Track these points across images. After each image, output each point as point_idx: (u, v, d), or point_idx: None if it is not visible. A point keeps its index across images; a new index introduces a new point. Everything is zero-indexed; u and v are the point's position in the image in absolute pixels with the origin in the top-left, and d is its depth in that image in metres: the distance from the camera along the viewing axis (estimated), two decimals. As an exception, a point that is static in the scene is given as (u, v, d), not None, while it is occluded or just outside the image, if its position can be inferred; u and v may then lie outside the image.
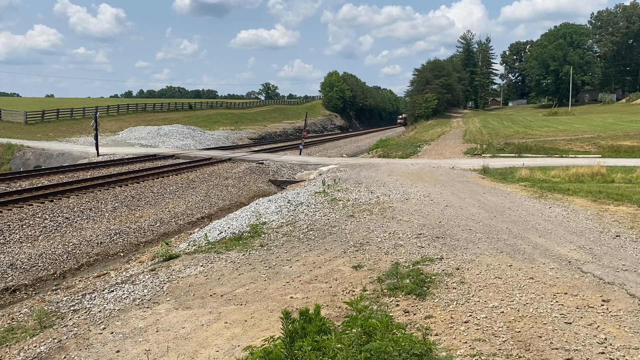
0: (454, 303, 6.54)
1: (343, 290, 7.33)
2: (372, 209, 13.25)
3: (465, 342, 5.37)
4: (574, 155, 28.17)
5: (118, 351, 5.94)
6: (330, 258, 9.06)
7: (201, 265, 9.29)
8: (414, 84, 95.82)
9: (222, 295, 7.57)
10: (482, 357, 5.01)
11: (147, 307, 7.34)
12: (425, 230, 10.71)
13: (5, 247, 13.14)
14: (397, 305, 6.55)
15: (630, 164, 22.28)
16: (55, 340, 6.44)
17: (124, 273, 9.84)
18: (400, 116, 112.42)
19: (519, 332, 5.63)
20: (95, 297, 8.16)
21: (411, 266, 8.18)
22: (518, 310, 6.26)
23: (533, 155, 28.87)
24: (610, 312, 6.21)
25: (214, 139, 48.18)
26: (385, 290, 7.05)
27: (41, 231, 14.57)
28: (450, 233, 10.48)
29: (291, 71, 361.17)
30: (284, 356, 4.13)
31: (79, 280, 10.73)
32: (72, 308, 7.69)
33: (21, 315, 7.89)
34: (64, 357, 5.96)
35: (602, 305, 6.44)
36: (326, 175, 21.50)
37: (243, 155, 32.32)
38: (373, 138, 62.80)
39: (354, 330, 4.42)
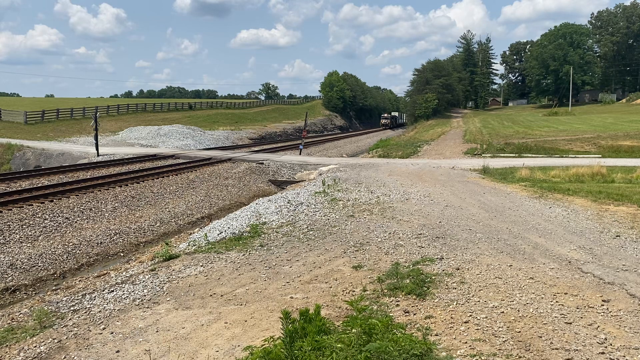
0: (454, 303, 6.54)
1: (343, 290, 7.33)
2: (372, 209, 13.25)
3: (465, 342, 5.37)
4: (574, 155, 28.17)
5: (118, 351, 5.94)
6: (330, 258, 9.06)
7: (201, 266, 9.29)
8: (414, 84, 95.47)
9: (222, 295, 7.57)
10: (482, 357, 5.01)
11: (147, 307, 7.34)
12: (425, 230, 10.71)
13: (5, 247, 13.14)
14: (397, 305, 6.55)
15: (630, 164, 22.27)
16: (55, 340, 6.44)
17: (124, 273, 9.84)
18: (385, 115, 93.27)
19: (519, 332, 5.63)
20: (95, 297, 8.16)
21: (411, 266, 8.18)
22: (518, 311, 6.26)
23: (533, 155, 28.86)
24: (610, 312, 6.21)
25: (214, 139, 48.18)
26: (385, 290, 7.05)
27: (41, 231, 14.57)
28: (451, 233, 10.47)
29: (291, 71, 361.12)
30: (284, 356, 4.13)
31: (79, 280, 10.72)
32: (72, 308, 7.69)
33: (21, 315, 7.89)
34: (64, 357, 5.96)
35: (602, 305, 6.44)
36: (326, 175, 21.49)
37: (243, 155, 32.33)
38: (373, 138, 62.79)
39: (354, 330, 4.42)
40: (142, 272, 9.38)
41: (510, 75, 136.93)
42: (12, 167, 31.97)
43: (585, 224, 11.37)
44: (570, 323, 5.86)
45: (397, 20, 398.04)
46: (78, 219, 16.06)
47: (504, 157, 28.53)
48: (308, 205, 14.23)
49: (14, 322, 7.56)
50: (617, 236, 10.19)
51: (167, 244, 12.08)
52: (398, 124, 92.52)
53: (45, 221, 15.27)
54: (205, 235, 11.87)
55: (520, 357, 5.04)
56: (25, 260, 12.61)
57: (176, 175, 24.02)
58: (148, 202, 19.15)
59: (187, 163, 28.19)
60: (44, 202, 16.75)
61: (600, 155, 27.17)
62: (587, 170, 19.17)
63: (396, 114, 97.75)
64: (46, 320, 7.15)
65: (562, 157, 28.05)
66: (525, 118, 68.90)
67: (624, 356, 5.05)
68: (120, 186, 20.32)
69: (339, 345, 4.14)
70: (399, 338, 4.18)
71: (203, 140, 45.61)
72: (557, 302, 6.56)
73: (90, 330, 6.67)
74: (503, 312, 6.23)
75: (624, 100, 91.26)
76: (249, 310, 6.88)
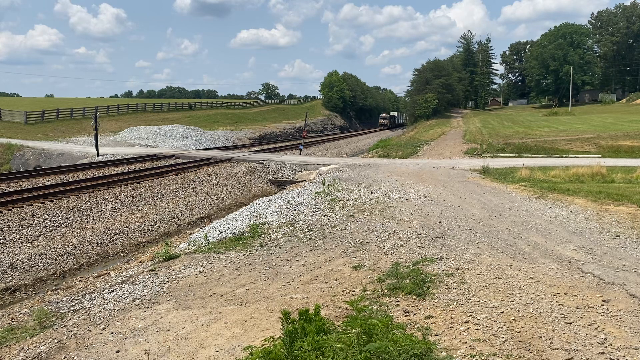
0: (454, 303, 6.54)
1: (343, 290, 7.33)
2: (372, 209, 13.25)
3: (465, 342, 5.37)
4: (574, 155, 28.17)
5: (118, 351, 5.94)
6: (330, 258, 9.06)
7: (201, 266, 9.29)
8: (414, 84, 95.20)
9: (222, 295, 7.57)
10: (482, 357, 5.01)
11: (147, 307, 7.34)
12: (425, 230, 10.71)
13: (5, 247, 13.14)
14: (397, 305, 6.55)
15: (630, 164, 22.27)
16: (55, 340, 6.44)
17: (124, 273, 9.84)
18: (384, 115, 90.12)
19: (519, 332, 5.63)
20: (95, 297, 8.16)
21: (411, 266, 8.17)
22: (518, 311, 6.26)
23: (533, 155, 28.86)
24: (610, 312, 6.21)
25: (214, 139, 48.19)
26: (385, 290, 7.05)
27: (41, 231, 14.57)
28: (451, 233, 10.47)
29: (291, 71, 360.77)
30: (283, 356, 4.13)
31: (79, 280, 10.72)
32: (72, 308, 7.69)
33: (21, 315, 7.89)
34: (64, 357, 5.96)
35: (602, 305, 6.44)
36: (326, 175, 21.49)
37: (243, 155, 32.33)
38: (373, 138, 62.80)
39: (354, 330, 4.42)
40: (142, 272, 9.38)
41: (510, 75, 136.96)
42: (12, 167, 31.97)
43: (585, 224, 11.37)
44: (570, 323, 5.86)
45: (397, 20, 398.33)
46: (78, 219, 16.06)
47: (504, 157, 28.53)
48: (308, 205, 14.23)
49: (14, 322, 7.56)
50: (617, 236, 10.19)
51: (167, 244, 12.08)
52: (397, 124, 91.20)
53: (45, 221, 15.27)
54: (205, 235, 11.87)
55: (520, 357, 5.04)
56: (25, 260, 12.61)
57: (176, 175, 24.02)
58: (148, 202, 19.15)
59: (187, 163, 28.20)
60: (44, 202, 16.75)
61: (600, 155, 27.17)
62: (587, 170, 19.17)
63: (395, 113, 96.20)
64: (46, 320, 7.15)
65: (562, 157, 28.05)
66: (525, 118, 68.90)
67: (624, 356, 5.05)
68: (120, 186, 20.32)
69: (339, 345, 4.13)
70: (399, 338, 4.17)
71: (203, 140, 45.61)
72: (557, 302, 6.56)
73: (90, 330, 6.67)
74: (503, 312, 6.23)
75: (624, 100, 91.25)
76: (249, 310, 6.88)
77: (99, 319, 7.05)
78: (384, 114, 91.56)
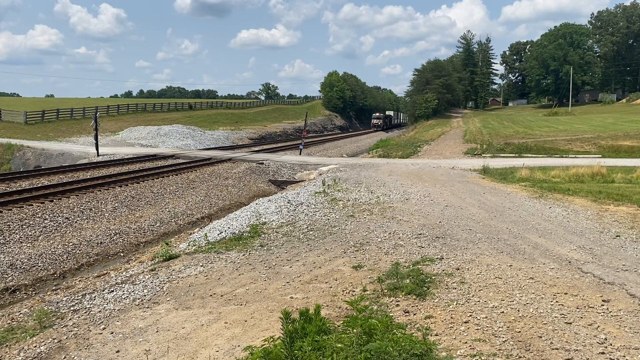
0: (454, 303, 6.54)
1: (343, 290, 7.33)
2: (372, 209, 13.25)
3: (466, 342, 5.37)
4: (574, 155, 28.17)
5: (118, 351, 5.94)
6: (330, 258, 9.06)
7: (201, 266, 9.29)
8: (414, 84, 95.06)
9: (222, 295, 7.57)
10: (482, 357, 5.01)
11: (147, 307, 7.34)
12: (425, 230, 10.71)
13: (5, 247, 13.14)
14: (397, 305, 6.55)
15: (630, 164, 22.28)
16: (55, 340, 6.44)
17: (124, 273, 9.84)
18: (378, 114, 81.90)
19: (519, 332, 5.63)
20: (95, 297, 8.16)
21: (411, 266, 8.18)
22: (518, 311, 6.26)
23: (533, 155, 28.87)
24: (610, 312, 6.21)
25: (214, 139, 48.18)
26: (386, 290, 7.05)
27: (41, 231, 14.57)
28: (451, 233, 10.47)
29: (292, 71, 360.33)
30: (284, 356, 4.13)
31: (79, 280, 10.72)
32: (72, 308, 7.69)
33: (21, 315, 7.89)
34: (64, 357, 5.96)
35: (602, 305, 6.44)
36: (326, 175, 21.49)
37: (243, 155, 32.32)
38: (373, 138, 62.80)
39: (354, 330, 4.42)
40: (142, 272, 9.38)
41: (510, 75, 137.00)
42: (12, 167, 31.98)
43: (585, 224, 11.37)
44: (570, 323, 5.86)
45: (397, 20, 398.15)
46: (78, 219, 16.06)
47: (504, 157, 28.54)
48: (308, 205, 14.23)
49: (14, 322, 7.56)
50: (617, 236, 10.19)
51: (167, 244, 12.09)
52: (393, 124, 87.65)
53: (45, 221, 15.27)
54: (205, 235, 11.86)
55: (520, 357, 5.04)
56: (25, 260, 12.61)
57: (176, 175, 24.02)
58: (148, 202, 19.15)
59: (187, 163, 28.19)
60: (44, 202, 16.75)
61: (600, 155, 27.18)
62: (587, 170, 19.17)
63: (391, 113, 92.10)
64: (46, 320, 7.15)
65: (562, 157, 28.05)
66: (525, 118, 68.90)
67: (624, 356, 5.05)
68: (120, 186, 20.32)
69: (339, 345, 4.14)
70: (399, 338, 4.17)
71: (203, 140, 45.60)
72: (557, 302, 6.56)
73: (90, 330, 6.67)
74: (503, 312, 6.22)
75: (624, 100, 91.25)
76: (249, 310, 6.88)
77: (99, 319, 7.05)
78: (378, 114, 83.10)
